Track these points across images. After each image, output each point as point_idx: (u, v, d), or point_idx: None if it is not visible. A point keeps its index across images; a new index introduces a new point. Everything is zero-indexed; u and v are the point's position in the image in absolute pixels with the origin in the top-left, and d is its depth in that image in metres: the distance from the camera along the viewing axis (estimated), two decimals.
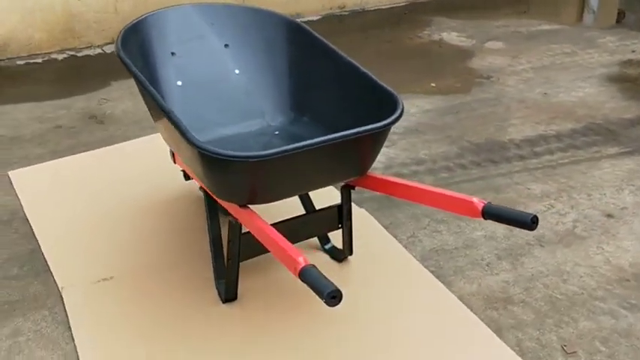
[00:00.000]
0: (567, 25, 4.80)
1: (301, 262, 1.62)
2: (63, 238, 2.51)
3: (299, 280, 2.25)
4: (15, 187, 2.83)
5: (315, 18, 4.89)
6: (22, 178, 2.89)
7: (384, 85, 2.12)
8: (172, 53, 2.44)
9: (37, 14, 4.11)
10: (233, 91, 2.49)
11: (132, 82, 2.36)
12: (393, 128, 3.03)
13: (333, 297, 1.51)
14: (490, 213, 1.84)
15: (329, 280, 1.54)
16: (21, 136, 3.27)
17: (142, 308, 2.18)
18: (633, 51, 4.27)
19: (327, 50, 2.34)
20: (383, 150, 3.09)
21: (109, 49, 4.28)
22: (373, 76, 2.17)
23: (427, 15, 4.97)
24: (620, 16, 5.04)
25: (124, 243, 2.49)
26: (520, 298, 2.24)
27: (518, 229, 2.47)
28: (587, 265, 2.39)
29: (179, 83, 2.42)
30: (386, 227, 2.59)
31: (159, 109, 1.98)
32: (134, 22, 2.36)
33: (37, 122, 3.40)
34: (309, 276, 1.57)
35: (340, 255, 2.38)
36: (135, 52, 2.31)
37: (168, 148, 2.39)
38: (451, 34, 4.61)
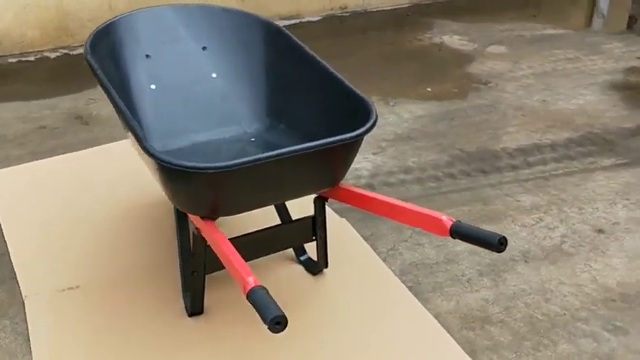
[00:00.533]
0: (574, 29, 4.67)
1: (250, 282, 1.54)
2: (33, 244, 2.45)
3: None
4: None
5: (315, 19, 4.80)
6: (1, 179, 2.84)
7: (359, 93, 2.03)
8: (147, 56, 2.37)
9: (30, 12, 4.07)
10: (209, 95, 2.41)
11: None
12: (382, 135, 2.94)
13: (277, 323, 1.42)
14: (458, 232, 1.75)
15: (276, 306, 1.46)
16: (4, 135, 3.22)
17: (106, 319, 2.12)
18: (639, 57, 4.14)
19: (304, 55, 2.26)
20: (370, 157, 3.03)
21: None
22: (348, 83, 2.08)
23: (430, 17, 4.86)
24: (632, 21, 4.90)
25: (95, 250, 2.42)
26: (499, 317, 2.15)
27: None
28: (573, 283, 2.29)
29: (152, 87, 2.35)
30: (366, 238, 2.50)
31: (119, 115, 1.91)
32: (106, 23, 2.30)
33: (21, 122, 3.35)
34: (256, 298, 1.49)
35: (315, 267, 2.30)
36: (106, 55, 2.24)
37: None
38: (453, 37, 4.50)
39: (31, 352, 1.99)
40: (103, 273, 2.31)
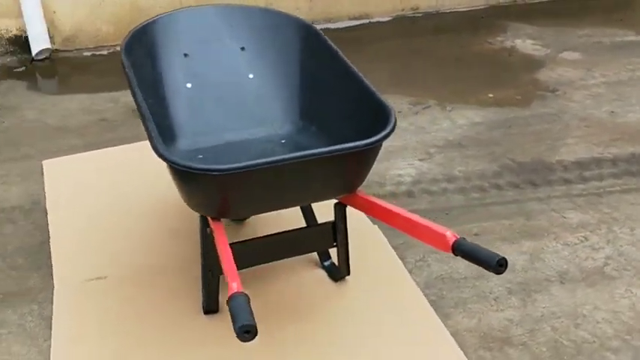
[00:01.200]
0: None
1: (233, 288, 1.53)
2: (74, 233, 2.55)
3: (286, 297, 2.20)
4: (44, 176, 2.91)
5: (385, 19, 4.74)
6: (53, 168, 2.97)
7: (381, 99, 1.98)
8: (185, 55, 2.41)
9: (106, 7, 4.23)
10: (244, 95, 2.42)
11: None
12: (432, 140, 2.85)
13: (246, 331, 1.41)
14: (459, 249, 1.67)
15: (251, 315, 1.45)
16: (66, 126, 3.37)
17: (125, 311, 2.17)
18: None
19: (336, 57, 2.23)
20: (416, 163, 2.96)
21: None
22: (371, 88, 2.04)
23: (505, 20, 4.70)
24: None
25: (131, 244, 2.48)
26: (521, 340, 2.04)
27: (543, 260, 2.30)
28: (609, 309, 2.15)
29: (188, 85, 2.38)
30: (396, 247, 2.44)
31: (139, 114, 1.94)
32: (144, 23, 2.34)
33: (84, 113, 3.49)
34: (234, 304, 1.48)
35: (338, 273, 2.27)
36: (144, 53, 2.30)
37: None
38: (526, 41, 4.33)
39: (51, 337, 2.07)
40: (133, 267, 2.37)
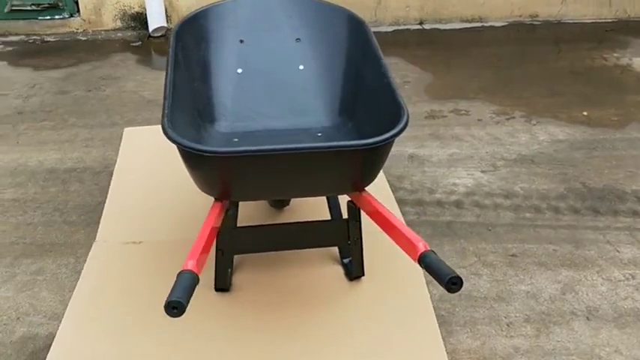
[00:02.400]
0: None
1: (188, 265, 1.58)
2: (127, 198, 2.71)
3: (291, 288, 2.22)
4: (121, 142, 3.11)
5: (499, 24, 4.57)
6: (132, 136, 3.17)
7: (400, 102, 1.94)
8: (241, 41, 2.48)
9: None
10: (291, 86, 2.46)
11: None
12: (503, 153, 2.73)
13: (173, 307, 1.45)
14: (424, 261, 1.61)
15: (185, 293, 1.48)
16: (155, 100, 3.58)
17: (147, 276, 2.28)
18: None
19: (376, 56, 2.20)
20: (477, 174, 2.86)
21: None
22: (396, 89, 1.99)
23: (630, 36, 4.36)
24: None
25: (175, 216, 2.60)
26: None
27: (576, 292, 2.16)
28: (631, 355, 1.97)
29: (239, 71, 2.46)
30: None
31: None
32: (207, 6, 2.44)
33: None
34: (178, 279, 1.53)
35: (353, 272, 2.25)
36: (198, 36, 2.39)
37: None
38: None
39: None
40: (169, 238, 2.48)
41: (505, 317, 2.12)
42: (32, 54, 4.26)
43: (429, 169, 2.91)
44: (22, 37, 4.46)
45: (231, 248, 2.11)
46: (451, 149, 3.07)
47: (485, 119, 3.33)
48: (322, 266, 2.32)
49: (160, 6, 4.32)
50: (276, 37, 2.50)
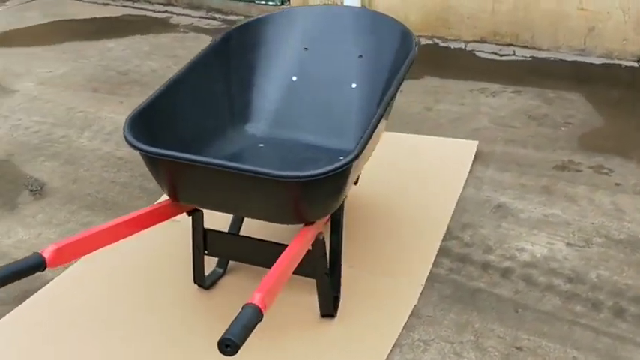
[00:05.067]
0: None
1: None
2: None
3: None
4: None
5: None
6: None
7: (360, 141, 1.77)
8: (305, 48, 2.44)
9: None
10: (338, 104, 2.36)
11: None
12: (612, 229, 2.74)
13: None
14: None
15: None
16: None
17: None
18: None
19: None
20: (557, 245, 2.52)
21: (476, 47, 4.20)
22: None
23: None
24: None
25: None
26: None
27: None
28: None
29: (294, 78, 2.43)
30: (419, 315, 2.12)
31: None
32: (284, 10, 2.45)
33: None
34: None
35: (323, 310, 2.11)
36: (260, 39, 2.41)
37: None
38: None
39: None
40: None
41: None
42: None
43: (506, 225, 2.55)
44: (241, 17, 4.87)
45: (202, 248, 2.13)
46: (552, 209, 2.63)
47: (626, 186, 2.78)
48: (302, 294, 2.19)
49: (358, 3, 4.36)
50: (341, 49, 2.42)
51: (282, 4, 4.73)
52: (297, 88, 2.41)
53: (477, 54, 4.14)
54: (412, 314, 2.13)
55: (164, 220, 2.02)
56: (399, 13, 4.38)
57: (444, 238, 2.48)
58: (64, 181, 2.93)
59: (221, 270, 2.29)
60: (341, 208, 2.21)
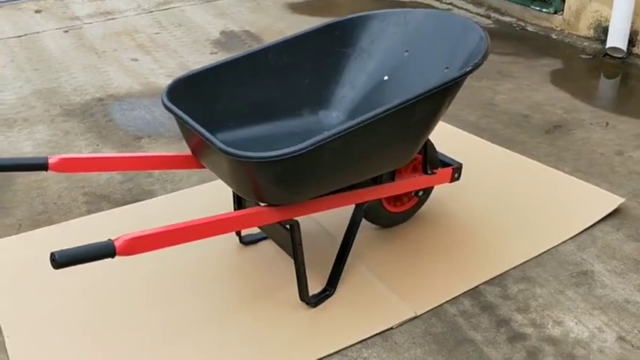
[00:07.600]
0: None
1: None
2: None
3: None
4: None
5: None
6: None
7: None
8: (406, 51, 2.42)
9: None
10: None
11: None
12: None
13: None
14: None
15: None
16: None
17: None
18: None
19: None
20: (607, 333, 2.13)
21: None
22: None
23: None
24: None
25: None
26: None
27: None
28: None
29: (385, 78, 2.43)
30: (387, 338, 2.04)
31: None
32: (401, 10, 2.47)
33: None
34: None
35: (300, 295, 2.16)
36: (371, 34, 2.46)
37: None
38: None
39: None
40: None
41: None
42: (502, 36, 4.46)
43: (570, 294, 2.20)
44: (513, 19, 4.68)
45: None
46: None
47: None
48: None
49: (624, 26, 3.87)
50: (433, 58, 2.35)
51: (556, 12, 4.42)
52: (384, 88, 2.42)
53: None
54: (381, 334, 2.06)
55: (176, 167, 2.25)
56: None
57: (491, 282, 2.27)
58: None
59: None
60: (359, 210, 2.23)
